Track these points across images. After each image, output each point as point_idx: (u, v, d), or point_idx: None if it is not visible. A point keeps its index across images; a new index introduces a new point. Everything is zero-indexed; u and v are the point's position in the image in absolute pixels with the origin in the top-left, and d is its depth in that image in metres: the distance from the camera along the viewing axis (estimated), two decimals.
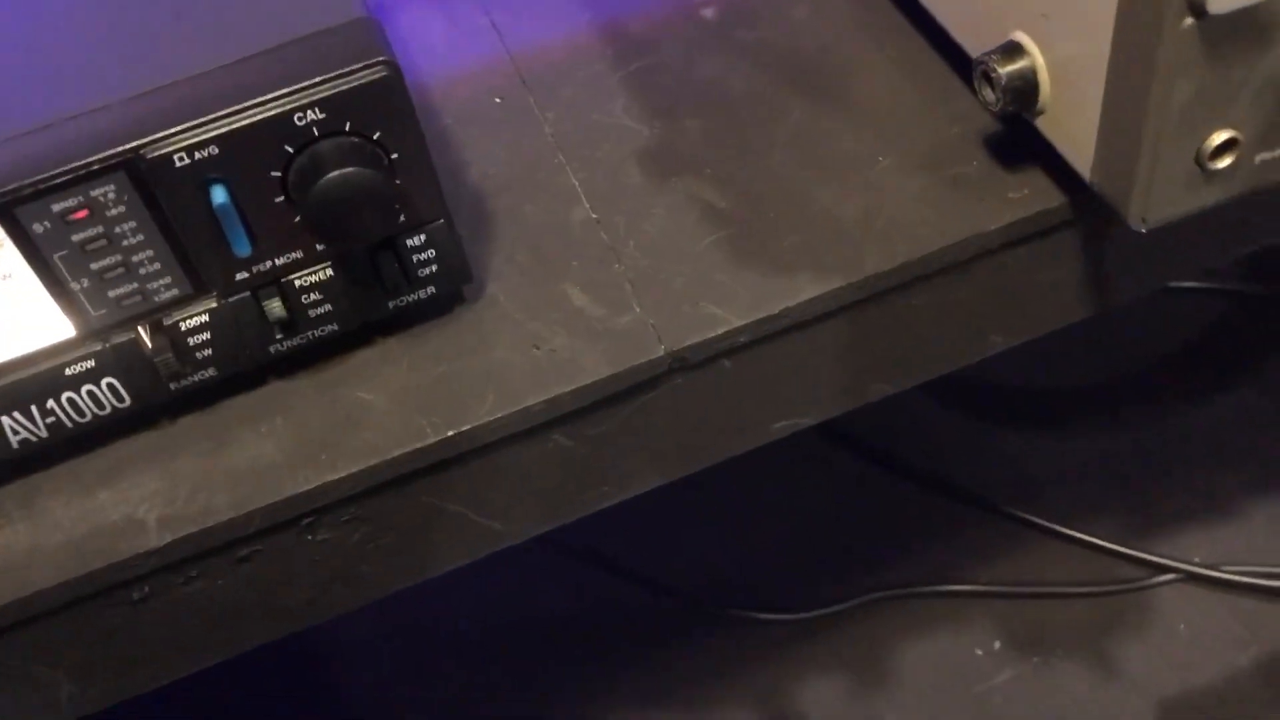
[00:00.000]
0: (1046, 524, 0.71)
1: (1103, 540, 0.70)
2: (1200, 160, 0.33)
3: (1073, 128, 0.35)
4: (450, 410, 0.36)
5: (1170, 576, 0.69)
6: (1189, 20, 0.30)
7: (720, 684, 0.69)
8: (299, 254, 0.35)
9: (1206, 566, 0.69)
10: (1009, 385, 0.78)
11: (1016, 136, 0.40)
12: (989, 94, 0.37)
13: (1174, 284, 0.81)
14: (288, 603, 0.38)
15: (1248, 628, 0.67)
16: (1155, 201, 0.34)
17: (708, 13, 0.48)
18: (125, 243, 0.33)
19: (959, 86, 0.42)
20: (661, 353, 0.37)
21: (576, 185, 0.42)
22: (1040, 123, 0.37)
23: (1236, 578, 0.69)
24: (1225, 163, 0.33)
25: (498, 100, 0.46)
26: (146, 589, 0.36)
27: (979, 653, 0.68)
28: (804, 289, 0.38)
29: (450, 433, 0.36)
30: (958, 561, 0.71)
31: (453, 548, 0.39)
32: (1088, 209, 0.39)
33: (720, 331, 0.37)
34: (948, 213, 0.39)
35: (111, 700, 0.38)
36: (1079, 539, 0.71)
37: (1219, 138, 0.32)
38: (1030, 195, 0.39)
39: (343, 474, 0.36)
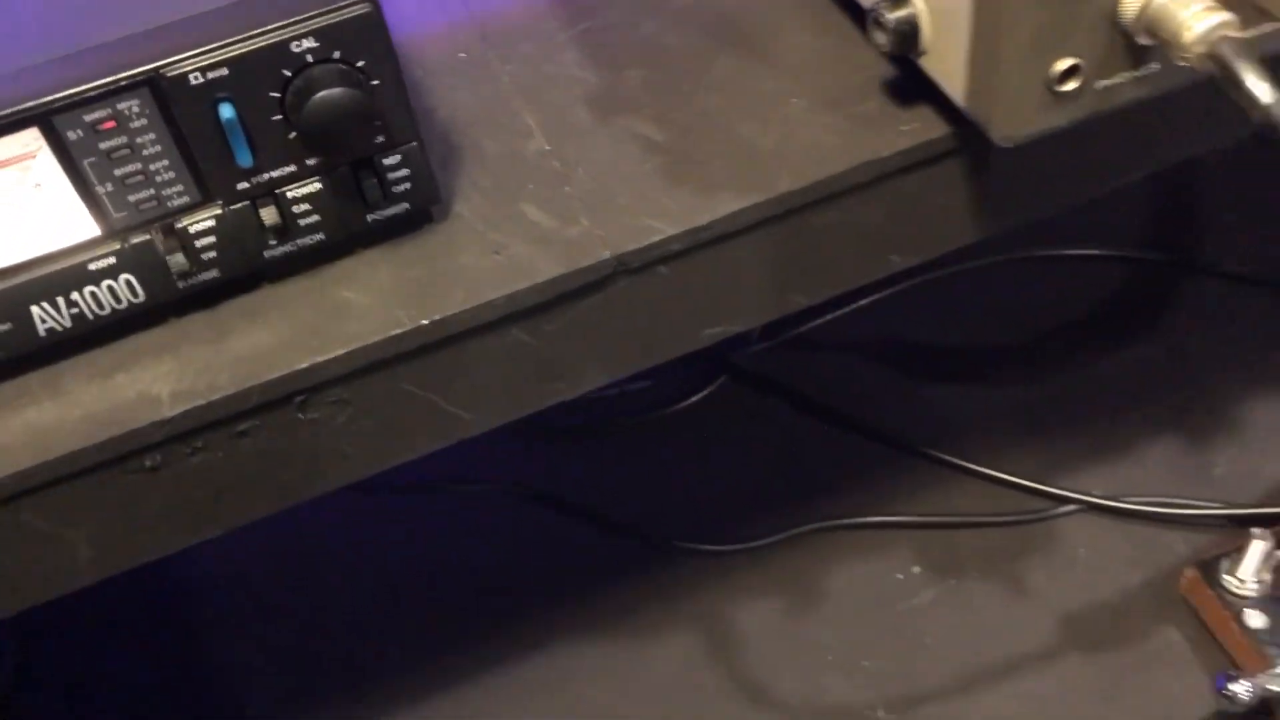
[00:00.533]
0: (962, 463, 0.78)
1: (1013, 476, 0.77)
2: (1049, 84, 0.40)
3: (948, 64, 0.42)
4: (424, 304, 0.42)
5: (1073, 508, 0.76)
6: None
7: (662, 611, 0.75)
8: (293, 168, 0.41)
9: (1105, 498, 0.76)
10: (932, 343, 0.85)
11: (907, 81, 0.47)
12: (880, 38, 0.43)
13: (1082, 251, 0.89)
14: (281, 478, 0.44)
15: (1140, 550, 0.74)
16: (1014, 120, 0.40)
17: None
18: (145, 152, 0.39)
19: (860, 40, 0.49)
20: (606, 256, 0.43)
21: (531, 124, 0.48)
22: (924, 62, 0.44)
23: (1131, 507, 0.76)
24: (1070, 86, 0.40)
25: (462, 55, 0.52)
26: (158, 458, 0.41)
27: (900, 577, 0.74)
28: (727, 204, 0.44)
29: (424, 321, 0.42)
30: (882, 497, 0.77)
31: (426, 433, 0.45)
32: (969, 139, 0.45)
33: (656, 239, 0.44)
34: (850, 143, 0.46)
35: (124, 565, 0.44)
36: (991, 475, 0.77)
37: (1063, 64, 0.39)
38: (919, 128, 0.46)
39: (330, 356, 0.41)
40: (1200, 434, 0.79)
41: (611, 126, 0.48)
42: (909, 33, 0.43)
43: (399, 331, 0.42)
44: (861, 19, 0.49)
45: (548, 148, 0.47)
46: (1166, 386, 0.81)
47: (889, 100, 0.47)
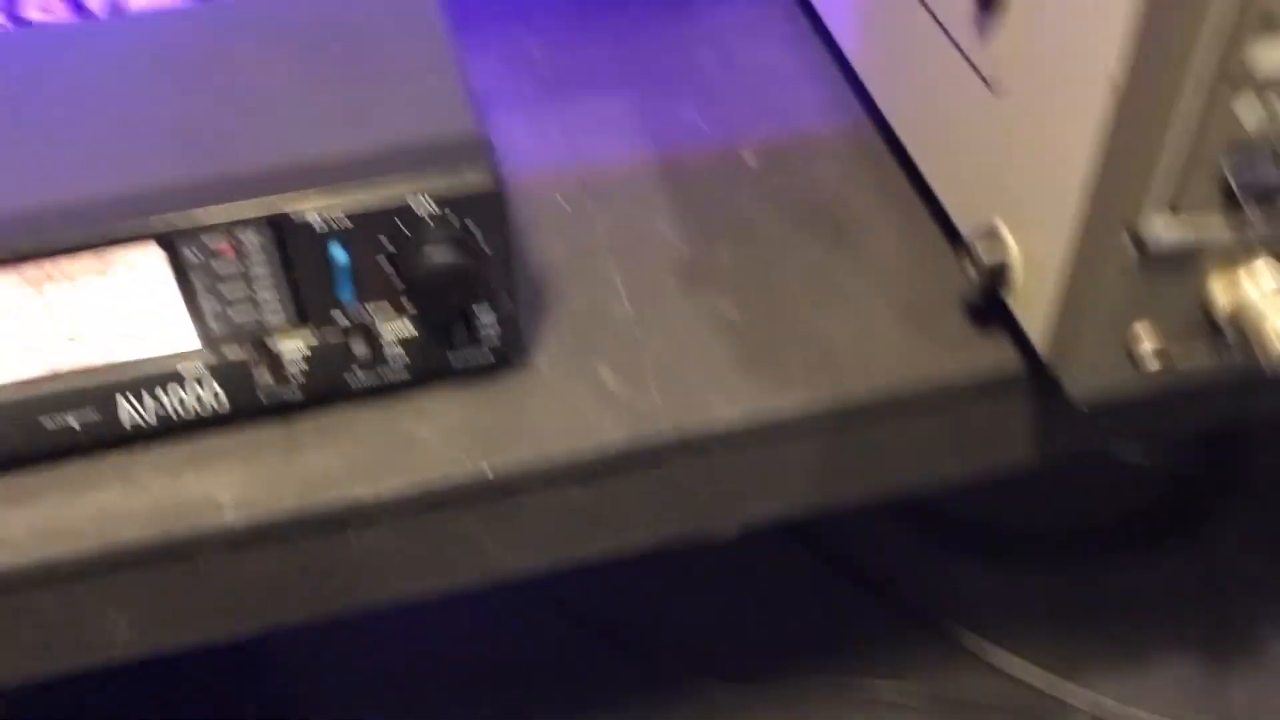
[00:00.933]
0: (978, 644, 0.78)
1: (1027, 662, 0.77)
2: (1131, 355, 0.41)
3: (1033, 310, 0.43)
4: (488, 452, 0.44)
5: (1083, 714, 0.76)
6: (1125, 238, 0.38)
7: None
8: (389, 309, 0.42)
9: (1116, 706, 0.76)
10: (964, 518, 0.86)
11: (991, 304, 0.48)
12: (970, 270, 0.45)
13: (1123, 459, 0.89)
14: (323, 591, 0.45)
15: None
16: (1090, 382, 0.41)
17: (750, 160, 0.56)
18: (253, 276, 0.40)
19: (950, 251, 0.50)
20: (669, 430, 0.45)
21: (619, 284, 0.50)
22: (1010, 300, 0.45)
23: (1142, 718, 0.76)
24: (1150, 360, 0.41)
25: (561, 201, 0.54)
26: (212, 559, 0.43)
27: None
28: (793, 400, 0.45)
29: (486, 470, 0.43)
30: (894, 662, 0.77)
31: (469, 571, 0.46)
32: (1040, 376, 0.46)
33: (719, 422, 0.45)
34: (924, 358, 0.47)
35: (159, 650, 0.45)
36: (1004, 665, 0.78)
37: (1146, 338, 0.40)
38: (995, 356, 0.47)
39: (391, 489, 0.43)
40: (1223, 657, 0.79)
41: (695, 299, 0.49)
42: (1000, 273, 0.44)
43: (460, 476, 0.43)
44: (952, 231, 0.50)
45: (631, 311, 0.49)
46: (1195, 603, 0.81)
47: (969, 321, 0.48)
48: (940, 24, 0.46)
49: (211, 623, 0.45)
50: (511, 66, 0.62)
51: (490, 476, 0.43)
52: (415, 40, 0.46)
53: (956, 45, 0.45)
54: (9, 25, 0.53)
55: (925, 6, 0.48)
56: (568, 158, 0.56)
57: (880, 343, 0.48)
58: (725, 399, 0.46)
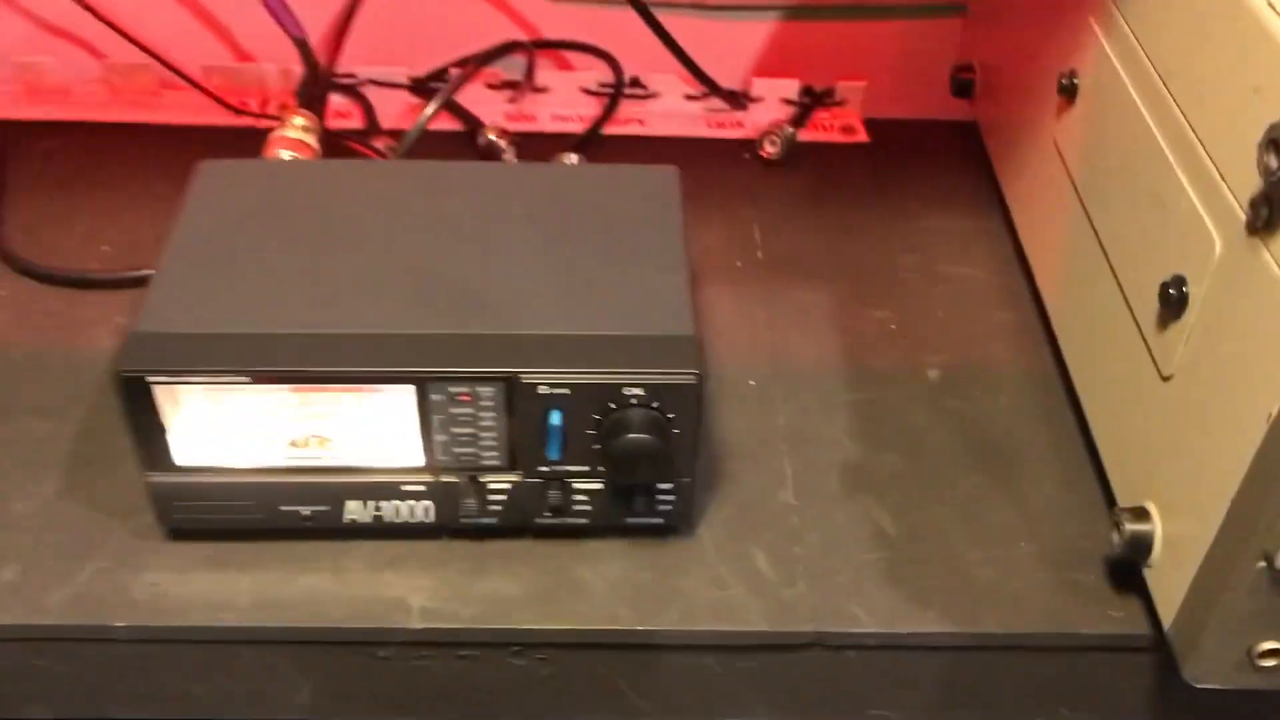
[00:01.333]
0: None
1: None
2: (1249, 655, 0.43)
3: (1166, 588, 0.46)
4: (642, 609, 0.49)
5: None
6: (1262, 563, 0.40)
7: None
8: (586, 469, 0.48)
9: None
10: None
11: (1130, 568, 0.51)
12: (1115, 539, 0.48)
13: None
14: (476, 700, 0.51)
15: None
16: (1207, 670, 0.44)
17: (932, 374, 0.60)
18: (481, 422, 0.47)
19: (1101, 503, 0.53)
20: (809, 629, 0.49)
21: (788, 474, 0.55)
22: (1147, 571, 0.48)
23: None
24: (1269, 664, 0.43)
25: (752, 383, 0.59)
26: (391, 652, 0.49)
27: None
28: (929, 623, 0.49)
29: (638, 626, 0.48)
30: None
31: (606, 709, 0.51)
32: (1163, 647, 0.49)
33: (857, 630, 0.49)
34: (1059, 606, 0.50)
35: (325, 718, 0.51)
36: None
37: (1267, 646, 0.43)
38: (1125, 618, 0.50)
39: (555, 626, 0.48)
40: None
41: (854, 503, 0.54)
42: (1141, 546, 0.47)
43: (614, 627, 0.48)
44: (1109, 487, 0.53)
45: (794, 502, 0.54)
46: None
47: (1107, 578, 0.51)
48: (1128, 303, 0.50)
49: (381, 708, 0.51)
50: (732, 243, 0.68)
51: (639, 630, 0.49)
52: (655, 234, 0.52)
53: (1139, 328, 0.49)
54: (315, 145, 0.62)
55: (1118, 283, 0.51)
56: (766, 342, 0.61)
57: (1021, 581, 0.51)
58: (866, 607, 0.50)
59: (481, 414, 0.47)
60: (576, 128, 0.76)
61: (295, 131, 0.61)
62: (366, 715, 0.51)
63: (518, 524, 0.50)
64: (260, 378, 0.45)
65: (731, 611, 0.49)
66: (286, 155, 0.60)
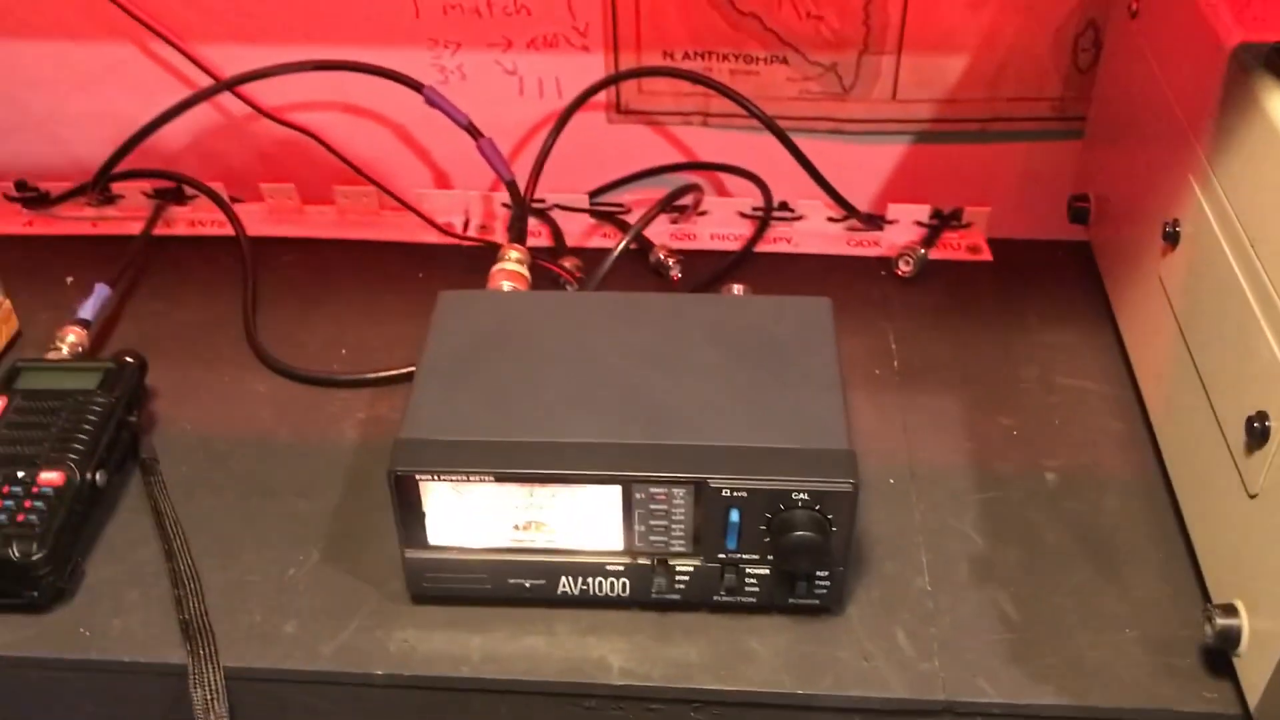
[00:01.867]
0: None
1: None
2: None
3: (1253, 678, 0.54)
4: (801, 676, 0.59)
5: None
6: None
7: None
8: (756, 557, 0.59)
9: None
10: None
11: (1222, 656, 0.59)
12: (1208, 630, 0.56)
13: None
14: None
15: None
16: None
17: (1050, 477, 0.69)
18: (673, 516, 0.58)
19: (1199, 598, 0.62)
20: (941, 698, 0.58)
21: (923, 562, 0.64)
22: (1236, 659, 0.56)
23: None
24: None
25: (891, 481, 0.69)
26: (593, 704, 0.60)
27: None
28: (1044, 696, 0.58)
29: (798, 690, 0.58)
30: None
31: None
32: None
33: (982, 700, 0.58)
34: (1157, 686, 0.58)
35: None
36: None
37: None
38: (1218, 699, 0.58)
39: (729, 688, 0.58)
40: None
41: (982, 590, 0.63)
42: (1231, 638, 0.55)
43: (780, 690, 0.58)
44: (1205, 583, 0.61)
45: (929, 588, 0.63)
46: None
47: (1202, 663, 0.59)
48: (1221, 428, 0.59)
49: None
50: (871, 352, 0.78)
51: (799, 693, 0.58)
52: (814, 358, 0.62)
53: (1230, 450, 0.57)
54: (528, 274, 0.74)
55: (1212, 409, 0.60)
56: (902, 444, 0.71)
57: (1126, 663, 0.59)
58: (991, 681, 0.59)
59: (673, 509, 0.57)
60: (733, 246, 0.87)
61: (512, 264, 0.73)
62: None
63: (697, 600, 0.61)
64: (501, 477, 0.57)
65: (876, 680, 0.59)
66: (507, 286, 0.72)
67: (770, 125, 0.83)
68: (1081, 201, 0.84)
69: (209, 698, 0.57)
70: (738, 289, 0.69)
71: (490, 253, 0.77)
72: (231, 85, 0.80)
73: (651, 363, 0.62)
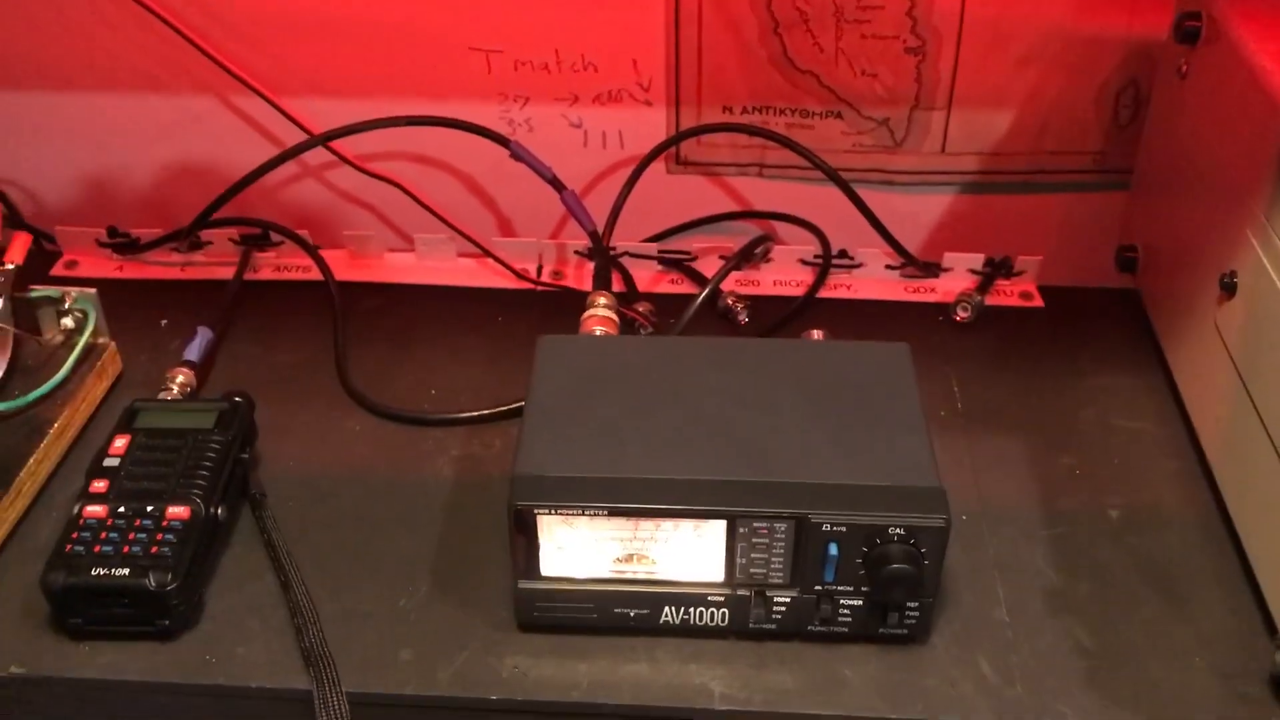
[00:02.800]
0: None
1: None
2: None
3: None
4: (893, 702, 0.62)
5: None
6: None
7: None
8: (851, 589, 0.62)
9: None
10: None
11: None
12: (1276, 656, 0.60)
13: None
14: None
15: None
16: None
17: (1113, 513, 0.73)
18: (773, 550, 0.61)
19: (1261, 628, 0.65)
20: None
21: (1000, 594, 0.68)
22: None
23: None
24: None
25: (964, 518, 0.72)
26: None
27: None
28: (1126, 719, 0.62)
29: (891, 716, 0.62)
30: None
31: None
32: None
33: None
34: (1229, 712, 0.62)
35: None
36: None
37: None
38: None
39: (826, 713, 0.62)
40: None
41: (1057, 620, 0.66)
42: None
43: (873, 715, 0.62)
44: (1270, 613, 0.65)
45: (1007, 619, 0.66)
46: None
47: (1268, 691, 0.63)
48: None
49: None
50: (935, 395, 0.82)
51: (892, 718, 0.62)
52: (897, 400, 0.66)
53: None
54: (617, 319, 0.78)
55: (1275, 450, 0.64)
56: (971, 483, 0.75)
57: (1197, 690, 0.63)
58: (1071, 706, 0.62)
59: (774, 543, 0.61)
60: (794, 291, 0.91)
61: (603, 310, 0.77)
62: None
63: (792, 630, 0.64)
64: (615, 512, 0.60)
65: (964, 706, 0.62)
66: (599, 330, 0.76)
67: (833, 175, 0.87)
68: (1130, 251, 0.88)
69: None
70: (816, 334, 0.73)
71: (564, 297, 0.81)
72: (327, 139, 0.85)
73: (744, 403, 0.66)
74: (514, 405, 0.78)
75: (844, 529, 0.60)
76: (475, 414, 0.79)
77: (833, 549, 0.61)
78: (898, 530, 0.60)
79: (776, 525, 0.60)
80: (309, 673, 0.62)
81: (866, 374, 0.68)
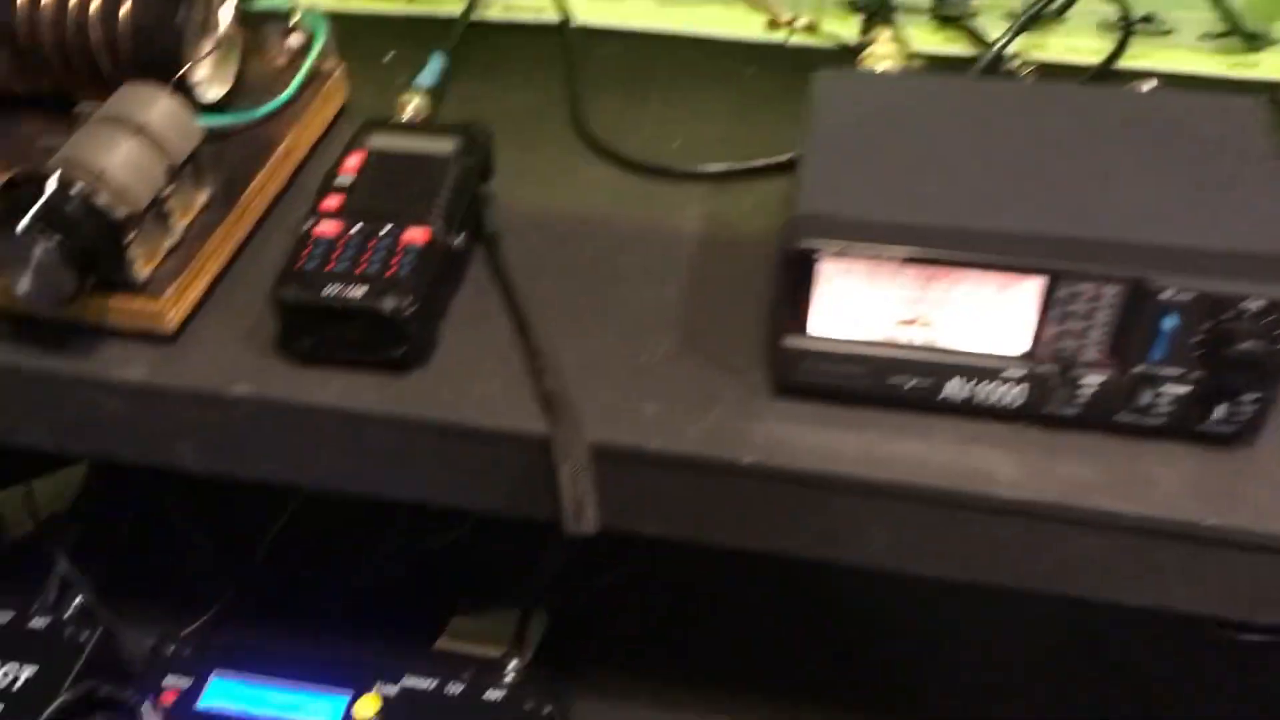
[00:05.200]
0: None
1: None
2: None
3: None
4: (1215, 507, 0.53)
5: None
6: None
7: None
8: (1178, 373, 0.53)
9: None
10: None
11: None
12: None
13: None
14: (1047, 572, 0.56)
15: None
16: None
17: None
18: (1093, 319, 0.52)
19: None
20: None
21: None
22: None
23: None
24: None
25: None
26: (974, 517, 0.55)
27: None
28: None
29: (1211, 521, 0.53)
30: None
31: (1171, 594, 0.56)
32: None
33: None
34: None
35: (908, 568, 0.58)
36: None
37: None
38: None
39: (1128, 510, 0.53)
40: None
41: None
42: None
43: (1186, 519, 0.53)
44: None
45: None
46: None
47: None
48: None
49: (952, 568, 0.58)
50: None
51: (1210, 524, 0.53)
52: (1251, 160, 0.55)
53: None
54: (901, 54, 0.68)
55: None
56: None
57: None
58: None
59: (1098, 312, 0.52)
60: (1089, 59, 0.79)
61: (886, 45, 0.67)
62: (937, 571, 0.58)
63: (1095, 419, 0.55)
64: (913, 259, 0.52)
65: None
66: (882, 67, 0.66)
67: None
68: None
69: (575, 469, 0.55)
70: (1149, 83, 0.62)
71: (817, 54, 0.71)
72: None
73: (1065, 152, 0.56)
74: (767, 161, 0.70)
75: (1189, 298, 0.50)
76: (725, 167, 0.71)
77: (1168, 322, 0.51)
78: (1259, 303, 0.50)
79: (1105, 289, 0.51)
80: (548, 417, 0.57)
81: (1213, 128, 0.57)
